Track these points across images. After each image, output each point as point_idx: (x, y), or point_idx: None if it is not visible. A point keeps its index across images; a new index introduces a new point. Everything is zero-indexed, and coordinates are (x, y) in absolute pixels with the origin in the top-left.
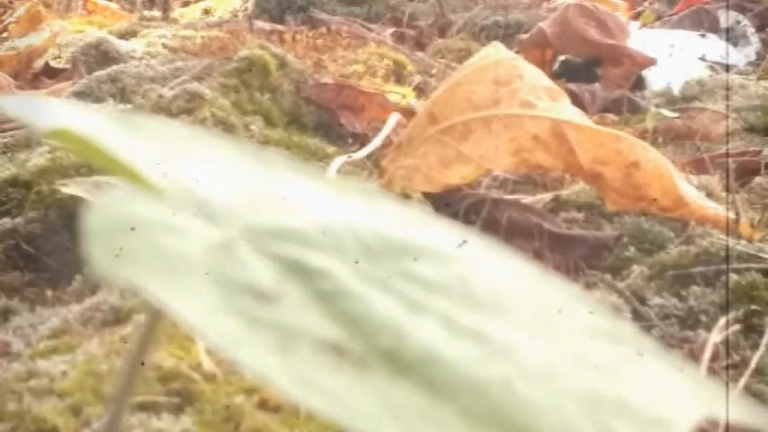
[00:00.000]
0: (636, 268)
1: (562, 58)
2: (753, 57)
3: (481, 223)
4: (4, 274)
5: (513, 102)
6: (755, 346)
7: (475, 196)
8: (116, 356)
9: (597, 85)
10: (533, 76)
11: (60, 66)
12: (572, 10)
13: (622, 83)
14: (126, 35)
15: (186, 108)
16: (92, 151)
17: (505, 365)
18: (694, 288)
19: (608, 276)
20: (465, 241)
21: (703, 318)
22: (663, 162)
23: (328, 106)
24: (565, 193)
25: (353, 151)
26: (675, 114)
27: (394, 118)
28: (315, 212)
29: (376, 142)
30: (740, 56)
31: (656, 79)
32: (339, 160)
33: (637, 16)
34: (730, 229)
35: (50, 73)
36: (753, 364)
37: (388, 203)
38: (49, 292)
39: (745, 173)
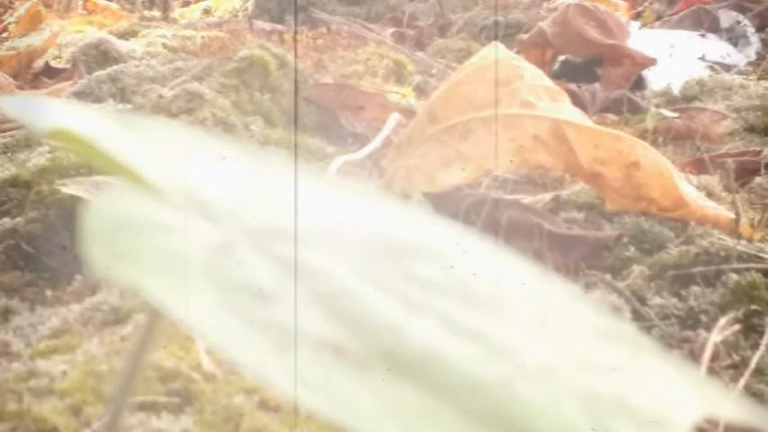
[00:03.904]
0: (636, 268)
1: (562, 58)
2: (753, 57)
3: (481, 223)
4: (4, 274)
5: (513, 102)
6: (755, 346)
7: (475, 196)
8: (116, 356)
9: (597, 85)
10: (533, 76)
11: (60, 66)
12: (572, 10)
13: (622, 83)
14: (126, 35)
15: (186, 108)
16: (92, 151)
17: (505, 365)
18: (694, 288)
19: (608, 276)
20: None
21: (703, 318)
22: (663, 162)
23: (328, 106)
24: (565, 193)
25: (353, 151)
26: (675, 114)
27: (394, 118)
28: (315, 212)
29: (376, 142)
30: (740, 56)
31: (656, 79)
32: (339, 160)
33: (637, 16)
34: (730, 229)
35: (50, 73)
36: (753, 364)
37: (387, 203)
38: (49, 292)
39: (745, 173)
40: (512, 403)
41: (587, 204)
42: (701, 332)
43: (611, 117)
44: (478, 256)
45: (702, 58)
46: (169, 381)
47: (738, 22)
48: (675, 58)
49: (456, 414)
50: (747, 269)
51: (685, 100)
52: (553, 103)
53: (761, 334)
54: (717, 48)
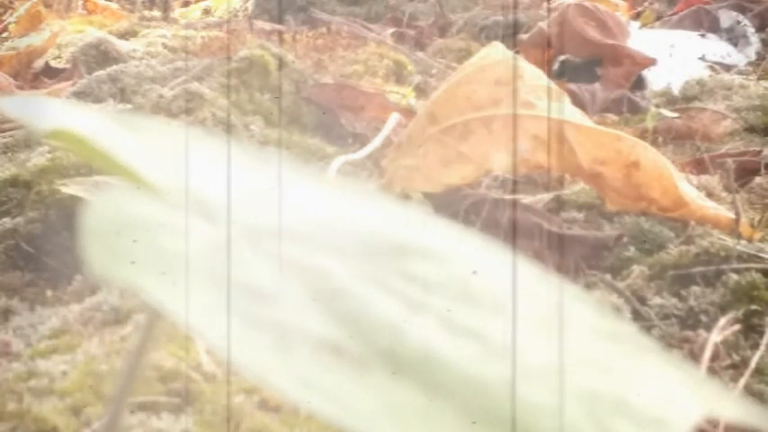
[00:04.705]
0: (636, 268)
1: (562, 58)
2: (753, 57)
3: (481, 223)
4: (4, 274)
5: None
6: (755, 346)
7: (475, 196)
8: (116, 356)
9: (597, 85)
10: (533, 76)
11: (60, 66)
12: (572, 10)
13: (622, 83)
14: (126, 35)
15: (186, 108)
16: (91, 152)
17: (505, 365)
18: (694, 288)
19: (608, 276)
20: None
21: (703, 318)
22: (663, 162)
23: (328, 106)
24: (565, 193)
25: (353, 151)
26: (675, 114)
27: (394, 118)
28: (315, 212)
29: (376, 142)
30: (740, 56)
31: (656, 79)
32: (339, 160)
33: (637, 16)
34: (730, 229)
35: (50, 73)
36: (753, 364)
37: (387, 203)
38: (49, 292)
39: (745, 173)
40: (512, 403)
41: (587, 204)
42: (701, 332)
43: (611, 117)
44: (478, 256)
45: (702, 58)
46: (169, 381)
47: (738, 22)
48: (675, 58)
49: (456, 414)
50: (747, 269)
51: (685, 100)
52: (553, 103)
53: (761, 334)
54: (717, 48)
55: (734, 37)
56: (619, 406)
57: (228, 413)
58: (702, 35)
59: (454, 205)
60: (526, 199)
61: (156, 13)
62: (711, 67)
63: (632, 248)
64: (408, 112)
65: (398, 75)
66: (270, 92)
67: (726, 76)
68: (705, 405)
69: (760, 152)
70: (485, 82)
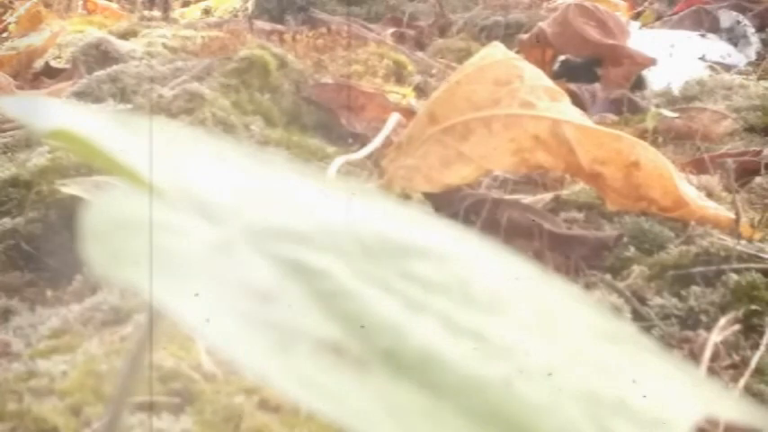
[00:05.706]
0: (636, 268)
1: (562, 58)
2: (753, 57)
3: (481, 223)
4: (4, 274)
5: (513, 102)
6: (755, 346)
7: (475, 196)
8: (116, 356)
9: (597, 85)
10: (533, 76)
11: (60, 66)
12: (572, 10)
13: (622, 83)
14: (126, 35)
15: (186, 108)
16: (91, 151)
17: (505, 365)
18: (694, 288)
19: (608, 276)
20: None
21: (703, 318)
22: (663, 162)
23: (328, 106)
24: (565, 193)
25: (353, 151)
26: (675, 114)
27: (394, 118)
28: (315, 212)
29: (376, 142)
30: (740, 56)
31: (656, 79)
32: (339, 160)
33: (637, 16)
34: (730, 229)
35: (50, 73)
36: (753, 364)
37: (387, 203)
38: (49, 292)
39: (745, 173)
40: (512, 403)
41: (587, 204)
42: (701, 332)
43: (611, 117)
44: (478, 256)
45: (702, 58)
46: (169, 381)
47: (738, 22)
48: (675, 58)
49: (456, 414)
50: (747, 269)
51: (685, 100)
52: (553, 103)
53: (761, 334)
54: (717, 48)
55: (734, 37)
56: (619, 406)
57: (228, 413)
58: (702, 35)
59: (454, 205)
60: (526, 199)
61: (156, 13)
62: (711, 67)
63: (632, 248)
64: (408, 112)
65: (398, 75)
66: (270, 92)
67: (726, 76)
68: (705, 405)
69: (760, 152)
70: (485, 82)
